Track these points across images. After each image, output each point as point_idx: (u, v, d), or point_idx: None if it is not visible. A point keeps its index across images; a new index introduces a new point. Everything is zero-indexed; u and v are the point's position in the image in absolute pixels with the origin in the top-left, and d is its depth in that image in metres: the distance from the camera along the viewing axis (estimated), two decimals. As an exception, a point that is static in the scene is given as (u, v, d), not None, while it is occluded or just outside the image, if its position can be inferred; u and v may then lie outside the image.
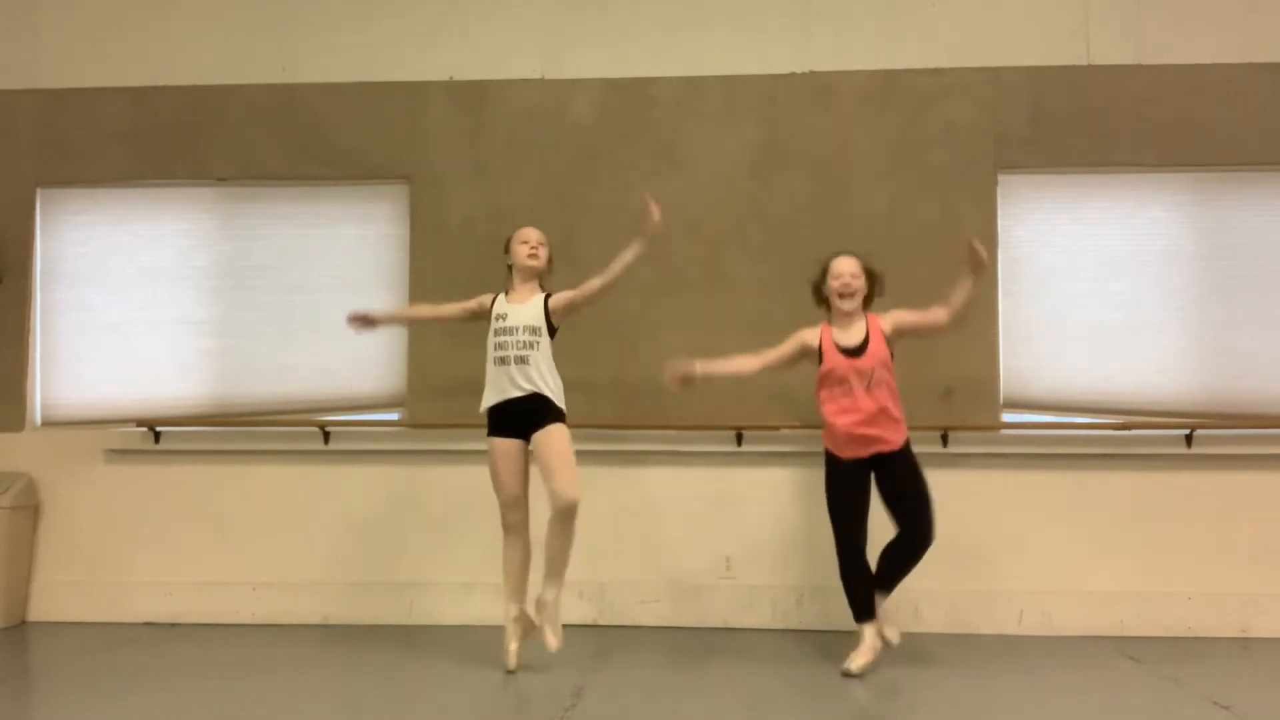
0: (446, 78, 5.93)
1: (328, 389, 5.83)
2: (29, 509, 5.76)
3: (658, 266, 5.70)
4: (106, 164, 5.97)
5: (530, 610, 4.61)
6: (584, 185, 5.79)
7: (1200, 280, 5.65)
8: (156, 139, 5.96)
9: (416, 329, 5.68)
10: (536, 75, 5.91)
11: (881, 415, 4.50)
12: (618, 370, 5.61)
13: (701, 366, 4.61)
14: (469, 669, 4.62)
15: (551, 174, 5.81)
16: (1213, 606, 5.39)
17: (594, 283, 4.59)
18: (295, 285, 5.91)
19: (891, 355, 4.59)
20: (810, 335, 4.66)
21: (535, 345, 4.55)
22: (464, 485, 5.44)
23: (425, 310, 5.09)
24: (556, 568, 4.53)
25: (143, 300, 5.93)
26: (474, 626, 5.37)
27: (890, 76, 5.79)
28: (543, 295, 4.69)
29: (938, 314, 4.61)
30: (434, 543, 5.63)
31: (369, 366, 5.83)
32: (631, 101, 5.86)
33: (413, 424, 5.71)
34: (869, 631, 4.57)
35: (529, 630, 4.61)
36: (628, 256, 4.55)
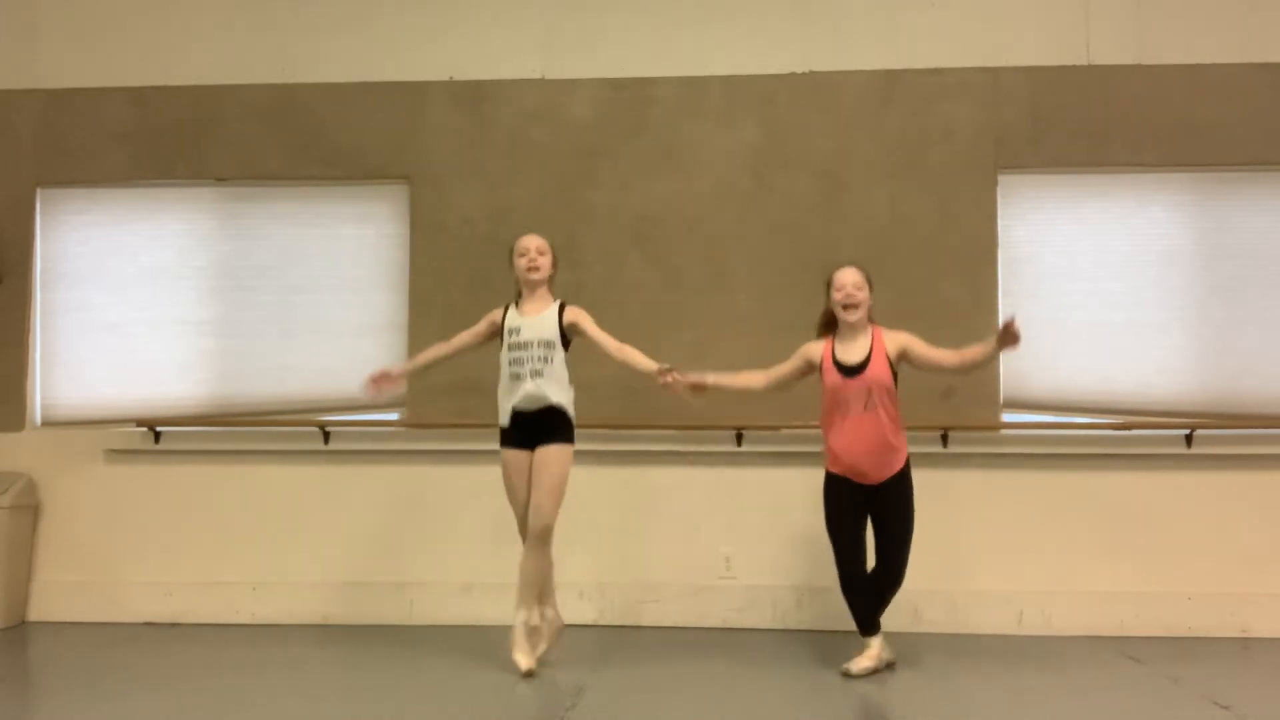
0: (446, 78, 5.92)
1: (328, 389, 5.82)
2: (29, 509, 5.76)
3: (658, 266, 5.72)
4: (106, 164, 5.97)
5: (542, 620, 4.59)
6: (584, 185, 5.79)
7: (1200, 280, 5.66)
8: (156, 139, 5.96)
9: (416, 329, 5.66)
10: (536, 75, 5.91)
11: (878, 447, 4.44)
12: (618, 370, 5.58)
13: (713, 378, 4.61)
14: (469, 669, 4.61)
15: (551, 174, 5.81)
16: (1213, 606, 5.38)
17: (609, 342, 4.55)
18: (295, 285, 5.91)
19: (895, 377, 4.51)
20: (814, 350, 4.64)
21: (550, 359, 4.49)
22: (464, 485, 5.46)
23: (442, 349, 4.77)
24: (528, 593, 4.48)
25: (143, 300, 5.93)
26: (474, 626, 5.36)
27: (890, 76, 5.79)
28: (556, 305, 4.60)
29: (948, 357, 4.52)
30: (434, 543, 5.62)
31: (369, 366, 5.75)
32: (631, 101, 5.85)
33: (412, 424, 5.71)
34: (875, 642, 4.56)
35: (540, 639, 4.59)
36: (641, 364, 4.51)
